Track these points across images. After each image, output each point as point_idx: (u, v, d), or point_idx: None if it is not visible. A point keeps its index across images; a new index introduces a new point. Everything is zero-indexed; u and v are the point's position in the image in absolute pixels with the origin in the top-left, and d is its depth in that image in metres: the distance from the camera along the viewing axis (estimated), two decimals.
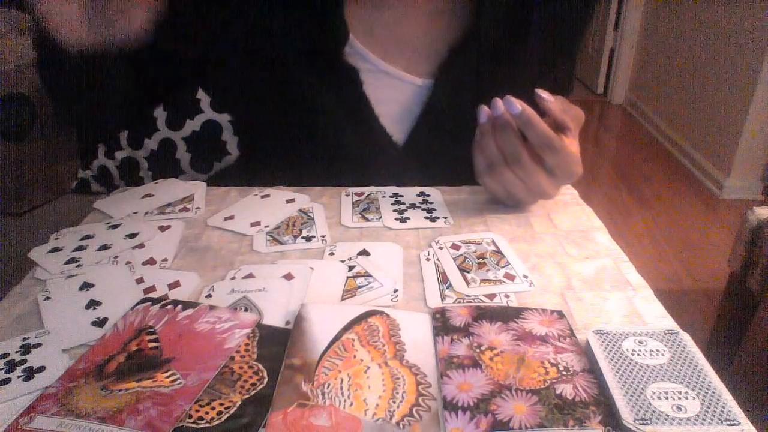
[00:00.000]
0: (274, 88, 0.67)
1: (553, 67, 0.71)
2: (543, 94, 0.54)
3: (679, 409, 0.33)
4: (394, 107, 0.68)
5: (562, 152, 0.54)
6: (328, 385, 0.36)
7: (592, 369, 0.37)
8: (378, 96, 0.67)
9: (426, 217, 0.58)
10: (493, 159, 0.55)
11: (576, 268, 0.50)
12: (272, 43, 0.64)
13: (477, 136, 0.56)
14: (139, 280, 0.48)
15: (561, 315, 0.43)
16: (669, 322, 0.43)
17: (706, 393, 0.34)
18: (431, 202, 0.61)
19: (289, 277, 0.48)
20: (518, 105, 0.52)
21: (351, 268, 0.49)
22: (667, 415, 0.33)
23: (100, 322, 0.43)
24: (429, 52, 0.67)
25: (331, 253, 0.52)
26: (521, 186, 0.56)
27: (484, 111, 0.55)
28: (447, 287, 0.47)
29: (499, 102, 0.53)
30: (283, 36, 0.64)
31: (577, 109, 0.59)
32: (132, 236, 0.54)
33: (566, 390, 0.35)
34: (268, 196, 0.63)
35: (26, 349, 0.40)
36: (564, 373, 0.37)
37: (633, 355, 0.37)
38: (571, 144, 0.55)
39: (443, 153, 0.69)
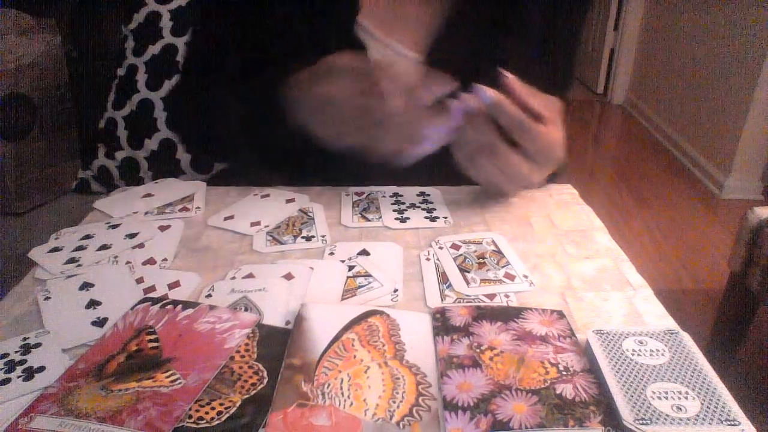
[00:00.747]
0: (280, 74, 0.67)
1: (553, 54, 0.71)
2: (504, 72, 0.54)
3: (679, 409, 0.33)
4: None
5: (534, 133, 0.53)
6: (328, 385, 0.36)
7: (592, 369, 0.37)
8: None
9: (426, 217, 0.58)
10: (471, 150, 0.55)
11: (576, 268, 0.50)
12: (282, 24, 0.65)
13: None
14: (139, 280, 0.48)
15: (561, 315, 0.43)
16: (669, 322, 0.43)
17: (706, 393, 0.34)
18: (431, 202, 0.61)
19: (289, 277, 0.48)
20: (489, 93, 0.52)
21: (351, 267, 0.49)
22: (667, 415, 0.33)
23: (100, 322, 0.43)
24: (429, 28, 0.67)
25: (331, 253, 0.52)
26: (501, 175, 0.56)
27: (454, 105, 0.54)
28: (447, 287, 0.47)
29: (465, 95, 0.53)
30: (295, 15, 0.64)
31: (551, 97, 0.58)
32: (132, 236, 0.54)
33: (566, 390, 0.35)
34: (268, 196, 0.63)
35: (26, 349, 0.40)
36: (564, 373, 0.37)
37: (633, 355, 0.37)
38: (551, 130, 0.55)
39: None
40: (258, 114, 0.64)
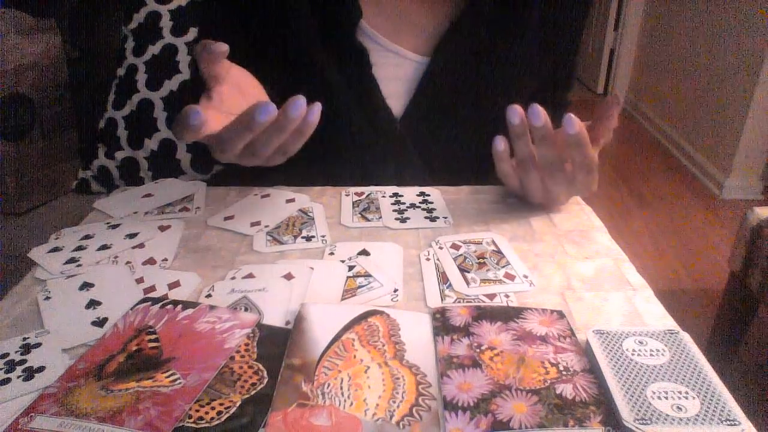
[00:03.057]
0: (284, 73, 0.67)
1: (555, 55, 0.71)
2: (572, 117, 0.51)
3: (679, 409, 0.33)
4: (397, 86, 0.69)
5: (594, 173, 0.54)
6: (328, 385, 0.36)
7: (592, 369, 0.37)
8: (382, 75, 0.68)
9: (426, 217, 0.58)
10: (524, 157, 0.54)
11: (576, 268, 0.50)
12: (285, 26, 0.65)
13: (511, 134, 0.53)
14: (139, 280, 0.48)
15: (561, 315, 0.43)
16: (669, 322, 0.43)
17: (706, 393, 0.34)
18: (431, 202, 0.61)
19: (289, 277, 0.48)
20: (577, 126, 0.49)
21: (351, 267, 0.49)
22: (667, 415, 0.33)
23: (100, 322, 0.43)
24: (433, 31, 0.68)
25: (331, 253, 0.52)
26: (541, 190, 0.56)
27: (517, 112, 0.51)
28: (447, 287, 0.47)
29: (537, 110, 0.50)
30: (296, 18, 0.64)
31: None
32: (132, 236, 0.54)
33: (566, 390, 0.35)
34: (268, 196, 0.63)
35: (26, 349, 0.40)
36: (564, 373, 0.37)
37: (633, 355, 0.37)
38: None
39: (440, 130, 0.70)
40: None
